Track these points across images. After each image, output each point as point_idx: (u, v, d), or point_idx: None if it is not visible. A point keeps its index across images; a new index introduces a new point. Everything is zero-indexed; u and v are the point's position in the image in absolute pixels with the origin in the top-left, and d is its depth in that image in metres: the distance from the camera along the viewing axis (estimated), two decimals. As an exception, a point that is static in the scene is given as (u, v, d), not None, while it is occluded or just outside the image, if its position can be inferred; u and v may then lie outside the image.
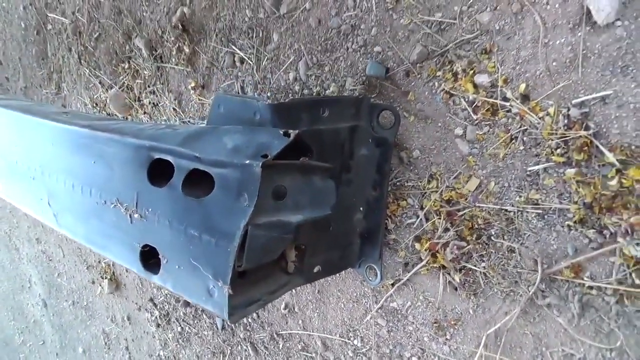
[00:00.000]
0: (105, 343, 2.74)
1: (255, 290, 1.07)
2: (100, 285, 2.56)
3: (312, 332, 1.60)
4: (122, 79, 2.05)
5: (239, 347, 1.90)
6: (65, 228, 1.35)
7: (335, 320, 1.52)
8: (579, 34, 0.96)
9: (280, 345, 1.73)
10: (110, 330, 2.68)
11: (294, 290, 1.62)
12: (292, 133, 1.04)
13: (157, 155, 1.09)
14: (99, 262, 2.54)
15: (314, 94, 1.39)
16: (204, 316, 2.00)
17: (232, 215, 0.97)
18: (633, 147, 0.94)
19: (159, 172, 1.11)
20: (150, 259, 1.12)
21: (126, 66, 2.01)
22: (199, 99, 1.74)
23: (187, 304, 2.07)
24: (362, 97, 1.27)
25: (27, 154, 1.46)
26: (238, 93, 1.60)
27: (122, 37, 1.98)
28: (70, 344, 3.11)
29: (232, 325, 1.89)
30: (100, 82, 2.18)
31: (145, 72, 1.94)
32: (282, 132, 1.04)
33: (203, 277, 1.00)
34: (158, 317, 2.25)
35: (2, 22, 2.74)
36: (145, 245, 1.11)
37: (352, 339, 1.49)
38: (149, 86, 1.95)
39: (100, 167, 1.21)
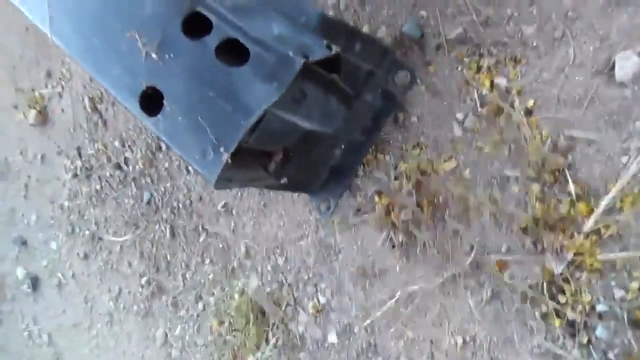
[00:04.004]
0: (2, 171, 2.59)
1: (239, 172, 1.13)
2: (24, 113, 2.40)
3: (240, 237, 1.67)
4: None
5: (157, 226, 1.92)
6: (59, 35, 1.28)
7: (268, 235, 1.61)
8: (597, 80, 1.12)
9: (201, 239, 1.79)
10: (14, 161, 2.53)
11: (239, 194, 1.68)
12: (335, 49, 1.09)
13: (200, 9, 1.09)
14: (33, 90, 2.38)
15: (346, 27, 1.44)
16: (133, 185, 1.98)
17: (257, 94, 1.01)
18: (591, 187, 1.13)
19: (193, 27, 1.10)
20: (149, 100, 1.12)
21: None
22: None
23: (118, 166, 2.03)
24: (390, 49, 1.35)
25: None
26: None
27: None
28: (-44, 159, 2.88)
29: (159, 203, 1.90)
30: None
31: None
32: (326, 44, 1.09)
33: (204, 138, 1.03)
34: (79, 168, 2.18)
35: None
36: (150, 88, 1.11)
37: (277, 255, 1.59)
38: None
39: (129, -8, 1.17)
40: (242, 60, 1.04)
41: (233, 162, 1.02)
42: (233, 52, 1.07)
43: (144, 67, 1.11)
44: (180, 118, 1.06)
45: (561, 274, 1.13)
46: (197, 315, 1.80)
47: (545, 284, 1.16)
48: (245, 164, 1.13)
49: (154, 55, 1.10)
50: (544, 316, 1.16)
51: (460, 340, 1.24)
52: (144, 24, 1.13)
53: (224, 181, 1.06)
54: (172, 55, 1.08)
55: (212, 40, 1.06)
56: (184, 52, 1.08)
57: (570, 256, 1.13)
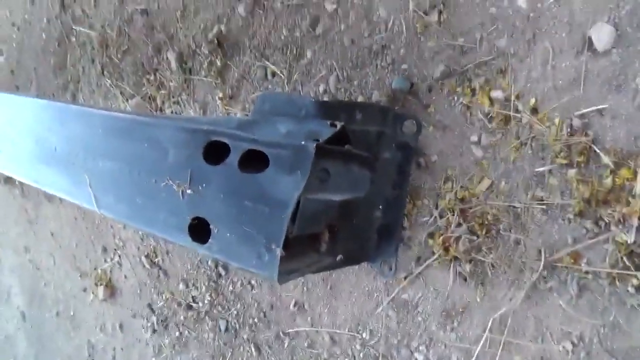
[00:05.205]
0: (89, 354, 2.71)
1: (295, 262, 1.19)
2: (93, 293, 2.57)
3: (321, 328, 1.69)
4: (146, 89, 2.18)
5: (241, 349, 1.96)
6: (106, 209, 1.43)
7: (345, 315, 1.63)
8: (582, 58, 1.18)
9: (286, 344, 1.81)
10: (96, 341, 2.66)
11: (305, 288, 1.72)
12: (339, 124, 1.20)
13: (213, 138, 1.22)
14: (95, 268, 2.57)
15: (342, 104, 1.56)
16: (207, 319, 2.06)
17: (285, 188, 1.10)
18: (624, 151, 1.14)
19: (212, 155, 1.23)
20: (197, 231, 1.22)
21: (151, 78, 2.15)
22: (225, 109, 1.89)
23: (189, 307, 2.12)
24: (389, 106, 1.45)
25: (68, 141, 1.56)
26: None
27: (151, 51, 2.13)
28: (46, 358, 3.04)
29: (237, 326, 1.95)
30: (120, 92, 2.31)
31: (171, 84, 2.08)
32: (329, 123, 1.20)
33: (254, 243, 1.11)
34: (155, 322, 2.28)
35: (22, 33, 2.85)
36: (195, 218, 1.22)
37: (361, 332, 1.59)
38: (173, 97, 2.09)
39: (151, 150, 1.33)
40: (264, 164, 1.15)
41: (287, 255, 1.09)
42: (254, 160, 1.18)
43: (184, 204, 1.23)
44: (228, 234, 1.15)
45: (635, 241, 1.12)
46: (309, 422, 1.78)
47: (624, 257, 1.13)
48: (298, 252, 1.20)
49: (189, 192, 1.22)
50: (639, 289, 1.12)
51: (569, 345, 1.20)
52: (172, 170, 1.27)
53: (285, 275, 1.12)
54: (204, 185, 1.20)
55: (232, 159, 1.18)
56: (213, 178, 1.19)
57: (636, 221, 1.12)
